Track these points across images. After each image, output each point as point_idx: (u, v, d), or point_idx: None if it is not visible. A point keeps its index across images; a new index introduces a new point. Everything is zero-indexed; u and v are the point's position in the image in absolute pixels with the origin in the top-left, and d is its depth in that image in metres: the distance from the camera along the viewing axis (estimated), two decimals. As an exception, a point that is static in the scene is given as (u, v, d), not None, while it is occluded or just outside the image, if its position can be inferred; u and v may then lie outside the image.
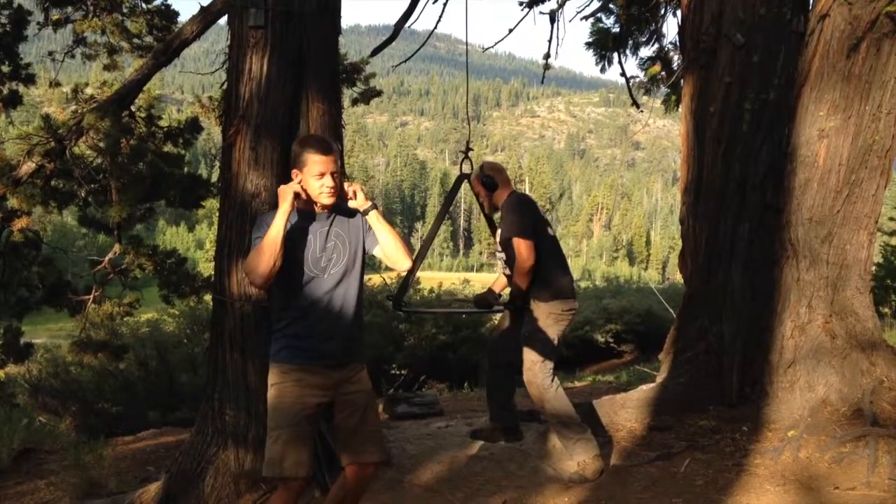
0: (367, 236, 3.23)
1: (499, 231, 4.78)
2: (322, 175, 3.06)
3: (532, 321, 4.50)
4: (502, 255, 4.77)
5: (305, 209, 3.16)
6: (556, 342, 4.52)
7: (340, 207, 3.19)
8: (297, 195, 3.06)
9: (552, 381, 4.48)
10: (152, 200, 7.96)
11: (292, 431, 3.09)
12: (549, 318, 4.49)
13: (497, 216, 4.92)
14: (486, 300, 5.00)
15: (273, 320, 3.25)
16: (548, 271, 4.55)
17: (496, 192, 4.73)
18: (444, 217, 5.29)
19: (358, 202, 3.14)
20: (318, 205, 3.15)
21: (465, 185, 5.21)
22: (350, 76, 8.59)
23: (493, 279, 5.20)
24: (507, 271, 4.76)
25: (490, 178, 4.71)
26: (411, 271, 5.25)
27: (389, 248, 3.18)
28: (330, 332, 3.14)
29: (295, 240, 3.09)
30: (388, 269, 3.63)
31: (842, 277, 4.85)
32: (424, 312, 13.17)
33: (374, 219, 3.16)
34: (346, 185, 3.13)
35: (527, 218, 4.56)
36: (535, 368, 4.46)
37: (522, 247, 4.46)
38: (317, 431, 3.24)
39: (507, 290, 4.94)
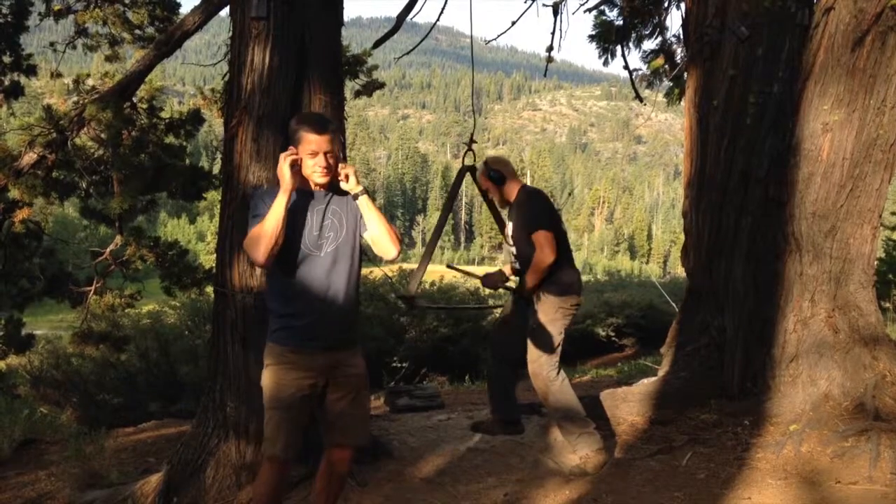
0: (362, 220, 3.22)
1: (509, 225, 4.75)
2: (315, 154, 3.07)
3: (540, 314, 4.49)
4: (512, 248, 4.74)
5: (304, 187, 3.17)
6: (562, 335, 4.51)
7: (339, 187, 3.20)
8: (295, 168, 3.06)
9: (558, 373, 4.47)
10: (154, 192, 7.97)
11: (284, 414, 3.14)
12: (558, 311, 4.47)
13: (505, 212, 4.89)
14: (494, 280, 4.94)
15: (270, 301, 3.25)
16: (561, 265, 4.51)
17: (505, 186, 4.68)
18: (450, 211, 5.28)
19: (349, 185, 3.14)
20: (312, 183, 3.15)
21: (466, 178, 5.20)
22: (352, 68, 8.57)
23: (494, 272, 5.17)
24: (517, 265, 4.73)
25: (497, 172, 4.67)
26: (420, 268, 5.26)
27: (377, 235, 3.17)
28: (325, 312, 3.13)
29: (292, 217, 3.10)
30: (389, 261, 3.62)
31: (845, 272, 4.83)
32: (436, 308, 13.26)
33: (364, 203, 3.16)
34: (340, 166, 3.13)
35: (545, 210, 4.54)
36: (542, 361, 4.45)
37: (545, 240, 4.40)
38: (311, 411, 3.26)
39: (514, 278, 4.92)
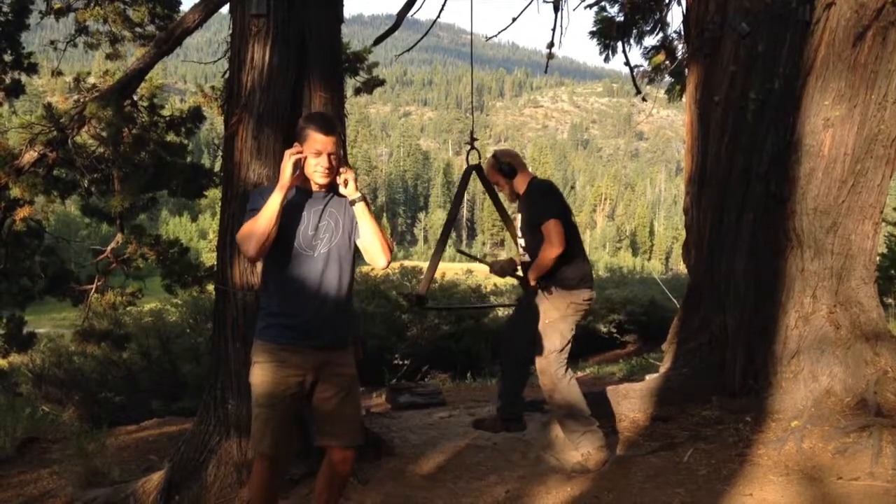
0: (357, 225, 3.22)
1: (518, 218, 4.72)
2: (319, 154, 3.07)
3: (551, 310, 4.45)
4: (521, 241, 4.69)
5: (304, 187, 3.17)
6: (572, 332, 4.48)
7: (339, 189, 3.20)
8: (296, 167, 3.06)
9: (566, 370, 4.45)
10: (154, 190, 7.97)
11: (272, 412, 3.15)
12: (569, 307, 4.43)
13: (513, 206, 4.86)
14: (503, 267, 4.83)
15: (262, 297, 3.26)
16: (572, 258, 4.45)
17: (516, 179, 4.63)
18: (457, 212, 5.28)
19: (348, 191, 3.14)
20: (313, 183, 3.15)
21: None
22: (353, 65, 8.57)
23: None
24: (526, 258, 4.64)
25: (508, 165, 4.63)
26: (430, 269, 5.26)
27: (369, 243, 3.17)
28: (318, 312, 3.13)
29: (289, 215, 3.10)
30: (381, 269, 3.62)
31: (846, 268, 4.83)
32: (450, 309, 13.20)
33: (360, 210, 3.15)
34: (340, 170, 3.13)
35: (555, 201, 4.49)
36: (551, 357, 4.42)
37: (555, 230, 4.31)
38: (301, 408, 3.26)
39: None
